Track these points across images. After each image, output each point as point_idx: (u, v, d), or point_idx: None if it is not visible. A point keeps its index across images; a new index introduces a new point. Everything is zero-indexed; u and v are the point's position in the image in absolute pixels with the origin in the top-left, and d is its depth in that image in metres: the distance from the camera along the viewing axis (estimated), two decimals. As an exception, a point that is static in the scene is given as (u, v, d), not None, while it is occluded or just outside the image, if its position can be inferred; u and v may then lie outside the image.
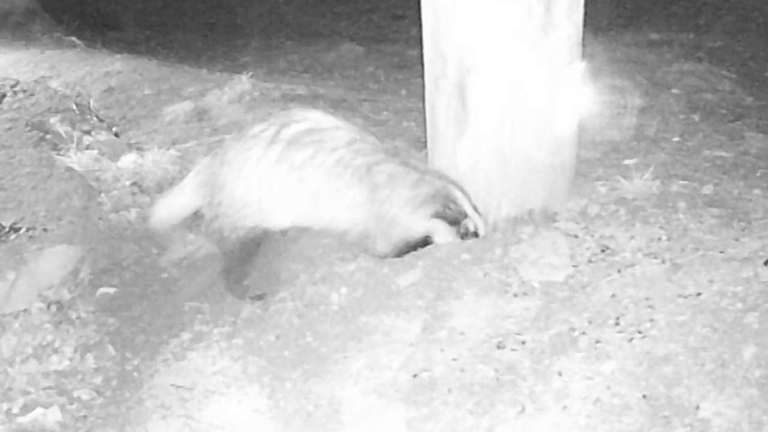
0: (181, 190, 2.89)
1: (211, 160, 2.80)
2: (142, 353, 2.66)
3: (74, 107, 4.13)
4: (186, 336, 2.70)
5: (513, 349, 2.24)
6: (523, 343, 2.26)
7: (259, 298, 2.77)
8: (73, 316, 2.76)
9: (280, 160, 2.61)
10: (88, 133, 3.89)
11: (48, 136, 3.70)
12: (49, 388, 2.49)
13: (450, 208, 2.67)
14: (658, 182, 2.98)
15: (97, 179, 3.41)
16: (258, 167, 2.63)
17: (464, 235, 2.70)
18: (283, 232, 2.86)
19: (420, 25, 2.80)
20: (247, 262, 2.80)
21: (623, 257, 2.54)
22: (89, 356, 2.61)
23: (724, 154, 3.45)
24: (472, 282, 2.53)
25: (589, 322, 2.28)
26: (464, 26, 2.60)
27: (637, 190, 2.94)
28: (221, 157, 2.72)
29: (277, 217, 2.71)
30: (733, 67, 4.93)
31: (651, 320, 2.22)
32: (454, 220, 2.69)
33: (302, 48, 5.99)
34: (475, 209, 2.71)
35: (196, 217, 2.92)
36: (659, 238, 2.62)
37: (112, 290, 2.90)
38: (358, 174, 2.62)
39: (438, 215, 2.68)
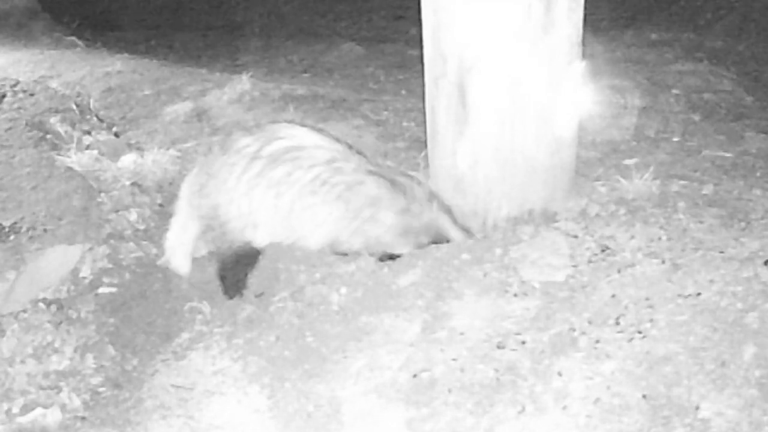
0: (179, 220, 2.88)
1: (199, 171, 2.81)
2: (142, 353, 2.66)
3: (74, 107, 4.13)
4: (186, 336, 2.70)
5: (513, 349, 2.24)
6: (523, 343, 2.26)
7: (258, 296, 2.77)
8: (73, 316, 2.76)
9: (260, 176, 2.63)
10: (88, 133, 3.89)
11: (48, 136, 3.70)
12: (49, 388, 2.49)
13: (435, 241, 2.72)
14: (658, 182, 2.98)
15: (97, 179, 3.41)
16: (239, 182, 2.65)
17: None
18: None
19: (420, 25, 2.80)
20: (243, 270, 2.80)
21: (623, 257, 2.54)
22: (89, 356, 2.61)
23: (724, 154, 3.45)
24: (472, 282, 2.53)
25: (589, 322, 2.28)
26: (464, 26, 2.60)
27: (637, 190, 2.94)
28: (207, 169, 2.74)
29: (257, 233, 2.72)
30: (733, 67, 4.92)
31: (651, 320, 2.23)
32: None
33: (302, 48, 5.99)
34: (462, 228, 2.74)
35: None
36: (659, 238, 2.62)
37: (112, 290, 2.89)
38: (336, 191, 2.63)
39: (421, 246, 2.72)
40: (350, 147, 2.75)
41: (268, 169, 2.62)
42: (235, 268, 2.79)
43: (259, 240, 2.74)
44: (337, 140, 2.75)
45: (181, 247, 2.89)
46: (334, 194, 2.63)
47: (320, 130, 2.78)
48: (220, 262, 2.81)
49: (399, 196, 2.67)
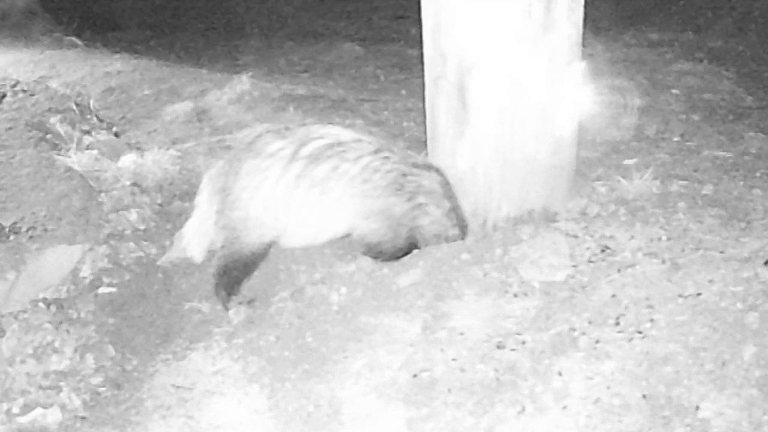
0: (199, 213, 2.79)
1: (223, 169, 2.68)
2: (142, 353, 2.66)
3: (74, 107, 4.13)
4: (186, 336, 2.70)
5: (513, 349, 2.24)
6: (523, 343, 2.26)
7: (250, 302, 2.76)
8: (73, 316, 2.76)
9: (300, 177, 2.56)
10: (88, 133, 3.89)
11: (48, 136, 3.70)
12: (49, 388, 2.49)
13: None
14: (658, 182, 2.99)
15: (97, 179, 3.41)
16: (277, 187, 2.56)
17: None
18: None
19: (420, 25, 2.79)
20: (243, 277, 2.76)
21: (623, 257, 2.54)
22: (89, 356, 2.61)
23: (724, 154, 3.45)
24: (472, 282, 2.53)
25: (589, 322, 2.28)
26: (464, 26, 2.60)
27: (637, 190, 2.94)
28: (236, 170, 2.62)
29: (296, 236, 2.68)
30: (733, 67, 4.92)
31: (651, 320, 2.22)
32: None
33: (302, 48, 5.99)
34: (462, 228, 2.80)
35: None
36: (659, 238, 2.62)
37: (112, 290, 2.90)
38: (391, 177, 2.60)
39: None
40: (388, 142, 2.75)
41: (310, 168, 2.55)
42: (238, 271, 2.74)
43: (292, 242, 2.70)
44: (373, 135, 2.75)
45: (198, 236, 2.81)
46: (389, 179, 2.60)
47: (350, 126, 2.76)
48: (223, 266, 2.74)
49: (446, 198, 2.71)
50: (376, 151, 2.63)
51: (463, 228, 2.78)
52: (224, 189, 2.64)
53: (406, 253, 2.76)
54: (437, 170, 2.75)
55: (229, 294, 2.75)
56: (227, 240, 2.69)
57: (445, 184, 2.74)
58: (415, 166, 2.70)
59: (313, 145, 2.58)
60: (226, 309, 2.74)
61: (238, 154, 2.68)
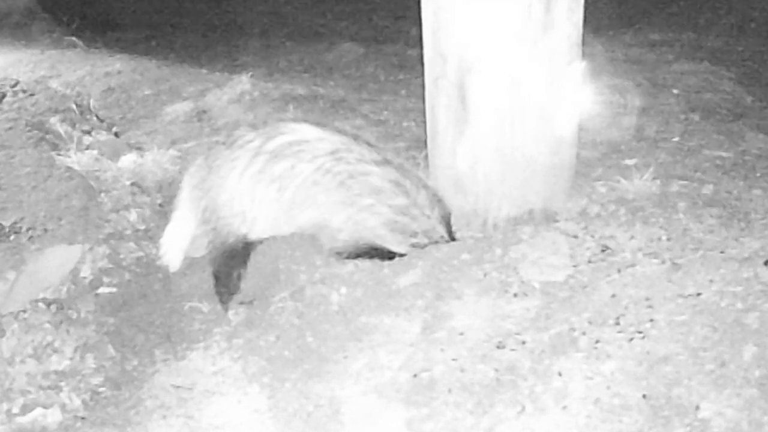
0: (179, 214, 2.87)
1: (201, 164, 2.81)
2: (142, 353, 2.66)
3: (74, 107, 4.12)
4: (186, 336, 2.70)
5: (513, 349, 2.24)
6: (523, 343, 2.26)
7: (248, 303, 2.76)
8: (73, 316, 2.76)
9: (261, 173, 2.63)
10: (88, 133, 3.89)
11: (48, 136, 3.70)
12: (49, 388, 2.49)
13: (428, 243, 2.72)
14: (658, 182, 2.98)
15: (97, 179, 3.41)
16: (242, 178, 2.65)
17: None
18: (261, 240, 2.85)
19: (420, 25, 2.79)
20: (234, 268, 2.78)
21: (623, 257, 2.54)
22: (89, 356, 2.61)
23: (724, 154, 3.45)
24: (472, 282, 2.53)
25: (589, 322, 2.28)
26: (464, 26, 2.60)
27: (637, 190, 2.94)
28: (210, 162, 2.74)
29: (256, 227, 2.72)
30: (733, 67, 4.92)
31: (651, 320, 2.22)
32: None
33: (302, 48, 5.99)
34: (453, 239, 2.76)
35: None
36: (659, 238, 2.62)
37: (112, 290, 2.89)
38: (338, 179, 2.62)
39: (415, 246, 2.72)
40: (356, 138, 2.72)
41: (270, 164, 2.62)
42: (228, 266, 2.76)
43: (258, 234, 2.74)
44: (342, 132, 2.73)
45: (176, 242, 2.87)
46: (336, 181, 2.62)
47: (324, 125, 2.77)
48: (213, 260, 2.80)
49: (401, 194, 2.66)
50: (333, 152, 2.63)
51: (441, 222, 2.72)
52: (201, 182, 2.75)
53: (375, 255, 2.73)
54: (398, 166, 2.70)
55: (230, 292, 2.76)
56: (209, 233, 2.76)
57: (404, 179, 2.67)
58: (376, 163, 2.66)
59: (278, 140, 2.64)
60: (225, 309, 2.75)
61: (215, 148, 2.78)
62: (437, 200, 2.73)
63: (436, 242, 2.73)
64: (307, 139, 2.65)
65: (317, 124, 2.77)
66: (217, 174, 2.69)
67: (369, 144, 2.73)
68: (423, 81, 2.90)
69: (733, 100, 4.34)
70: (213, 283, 2.82)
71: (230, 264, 2.77)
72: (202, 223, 2.78)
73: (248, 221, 2.70)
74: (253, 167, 2.64)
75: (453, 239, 2.77)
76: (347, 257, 2.75)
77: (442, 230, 2.73)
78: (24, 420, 2.38)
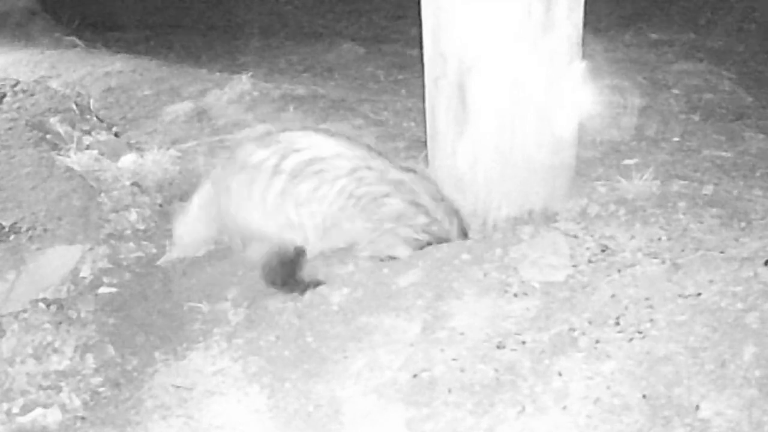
0: (190, 217, 2.89)
1: (215, 187, 2.77)
2: (142, 353, 2.66)
3: (74, 107, 4.13)
4: (186, 336, 2.70)
5: (513, 349, 2.24)
6: (523, 343, 2.26)
7: (250, 303, 2.76)
8: (73, 316, 2.76)
9: (284, 193, 2.59)
10: (88, 133, 3.89)
11: (48, 136, 3.70)
12: (49, 388, 2.49)
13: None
14: (658, 182, 2.98)
15: (97, 179, 3.41)
16: (264, 199, 2.61)
17: None
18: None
19: (420, 25, 2.80)
20: (289, 271, 2.75)
21: (623, 257, 2.54)
22: (89, 356, 2.61)
23: (724, 154, 3.45)
24: (472, 282, 2.53)
25: (589, 322, 2.28)
26: (464, 26, 2.60)
27: (637, 190, 2.94)
28: (226, 185, 2.68)
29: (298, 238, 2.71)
30: (733, 67, 4.93)
31: (651, 320, 2.22)
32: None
33: (302, 48, 5.99)
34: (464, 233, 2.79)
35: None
36: (659, 238, 2.62)
37: (112, 290, 2.89)
38: (361, 204, 2.64)
39: (420, 248, 2.76)
40: (370, 149, 2.74)
41: (292, 185, 2.59)
42: (280, 271, 2.75)
43: (302, 243, 2.74)
44: (356, 144, 2.72)
45: (189, 234, 2.94)
46: (359, 207, 2.65)
47: (335, 134, 2.75)
48: (269, 265, 2.75)
49: (421, 214, 2.70)
50: (352, 171, 2.62)
51: (460, 234, 2.78)
52: (219, 206, 2.74)
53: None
54: (414, 179, 2.72)
55: (301, 289, 2.74)
56: (250, 249, 2.77)
57: (423, 195, 2.71)
58: (394, 185, 2.68)
59: (294, 159, 2.60)
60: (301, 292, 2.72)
61: (224, 169, 2.74)
62: (454, 211, 2.77)
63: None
64: (323, 157, 2.62)
65: (327, 131, 2.77)
66: (238, 197, 2.64)
67: (379, 153, 2.75)
68: (423, 81, 2.90)
69: (733, 100, 4.35)
70: (263, 278, 2.78)
71: (284, 270, 2.75)
72: (238, 246, 2.80)
73: (287, 228, 2.66)
74: (274, 188, 2.59)
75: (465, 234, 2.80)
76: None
77: (455, 237, 2.77)
78: (24, 420, 2.38)
